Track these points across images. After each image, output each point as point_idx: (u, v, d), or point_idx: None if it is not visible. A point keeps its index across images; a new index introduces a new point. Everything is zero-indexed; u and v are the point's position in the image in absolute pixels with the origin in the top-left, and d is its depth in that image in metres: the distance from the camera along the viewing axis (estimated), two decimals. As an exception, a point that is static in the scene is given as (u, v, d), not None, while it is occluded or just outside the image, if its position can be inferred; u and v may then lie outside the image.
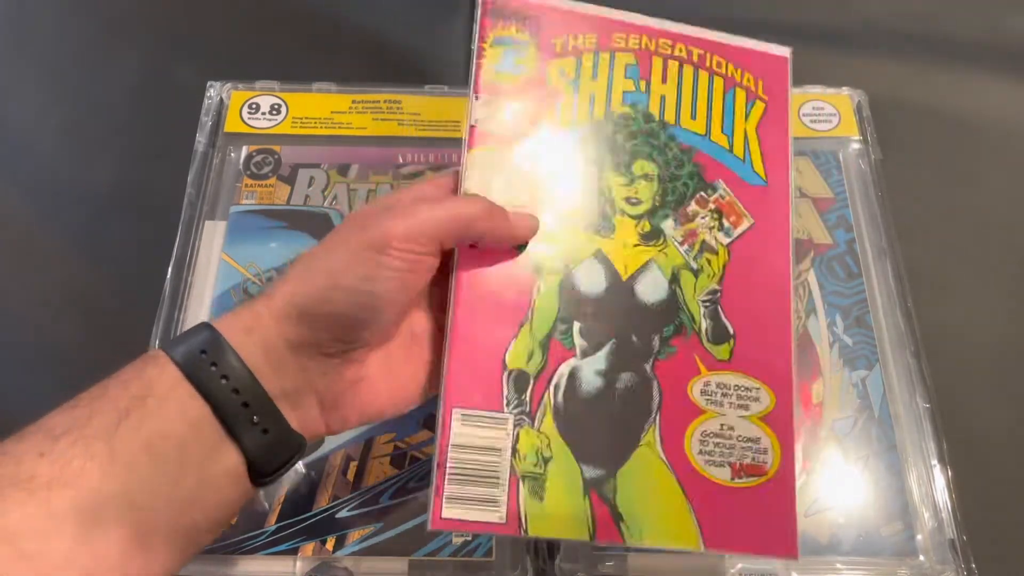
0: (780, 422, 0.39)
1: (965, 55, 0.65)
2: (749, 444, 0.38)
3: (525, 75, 0.41)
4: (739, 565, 0.44)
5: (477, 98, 0.40)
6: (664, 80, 0.42)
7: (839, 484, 0.47)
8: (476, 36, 0.41)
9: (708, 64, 0.43)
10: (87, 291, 0.55)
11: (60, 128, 0.62)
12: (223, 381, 0.32)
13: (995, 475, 0.49)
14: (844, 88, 0.60)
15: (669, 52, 0.43)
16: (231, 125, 0.58)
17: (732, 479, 0.38)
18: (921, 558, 0.45)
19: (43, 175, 0.60)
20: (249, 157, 0.57)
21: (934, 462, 0.47)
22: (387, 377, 0.37)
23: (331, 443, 0.48)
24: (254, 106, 0.59)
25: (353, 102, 0.59)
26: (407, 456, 0.48)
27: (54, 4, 0.68)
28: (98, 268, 0.56)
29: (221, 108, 0.59)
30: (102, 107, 0.63)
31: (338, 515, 0.46)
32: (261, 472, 0.34)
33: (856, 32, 0.66)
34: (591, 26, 0.42)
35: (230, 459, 0.33)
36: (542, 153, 0.40)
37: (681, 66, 0.43)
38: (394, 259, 0.34)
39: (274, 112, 0.59)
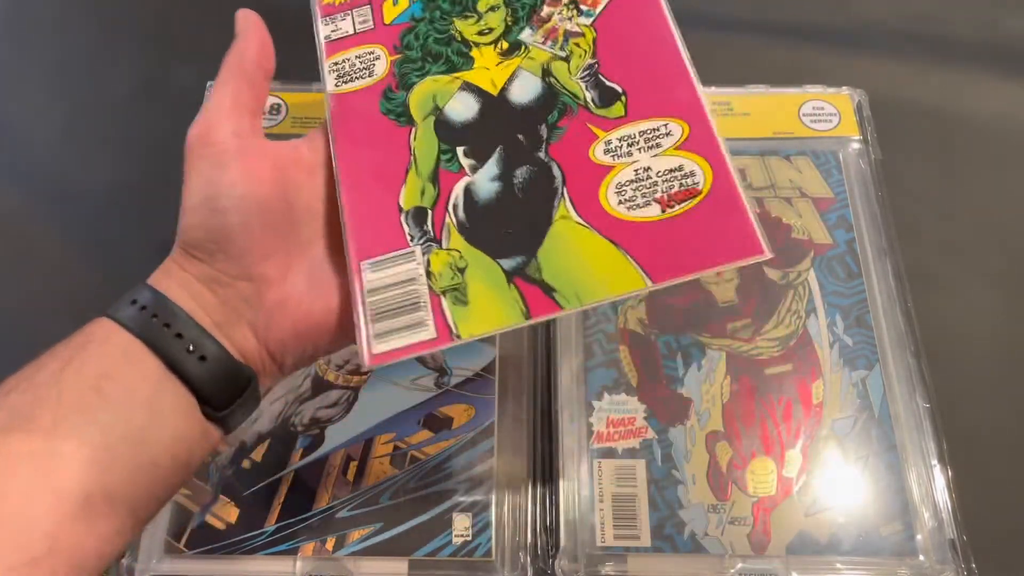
0: (701, 143, 0.36)
1: (965, 55, 0.65)
2: (672, 174, 0.36)
3: None
4: (739, 565, 0.44)
5: (321, 20, 0.44)
6: None
7: (839, 484, 0.47)
8: None
9: None
10: (87, 291, 0.55)
11: (60, 128, 0.62)
12: (153, 319, 0.33)
13: (995, 475, 0.49)
14: (844, 88, 0.60)
15: None
16: (231, 125, 0.58)
17: (664, 212, 0.35)
18: (921, 558, 0.45)
19: (43, 175, 0.60)
20: (249, 157, 0.57)
21: (934, 462, 0.47)
22: (314, 294, 0.37)
23: (331, 443, 0.48)
24: (254, 106, 0.59)
25: (353, 102, 0.59)
26: (407, 456, 0.48)
27: (54, 4, 0.68)
28: (98, 268, 0.56)
29: (221, 108, 0.59)
30: (102, 107, 0.63)
31: (338, 515, 0.46)
32: (214, 405, 0.34)
33: (856, 32, 0.66)
34: None
35: (177, 391, 0.33)
36: (390, 35, 0.42)
37: None
38: (216, 150, 0.36)
39: (274, 112, 0.59)
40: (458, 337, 0.35)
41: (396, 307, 0.35)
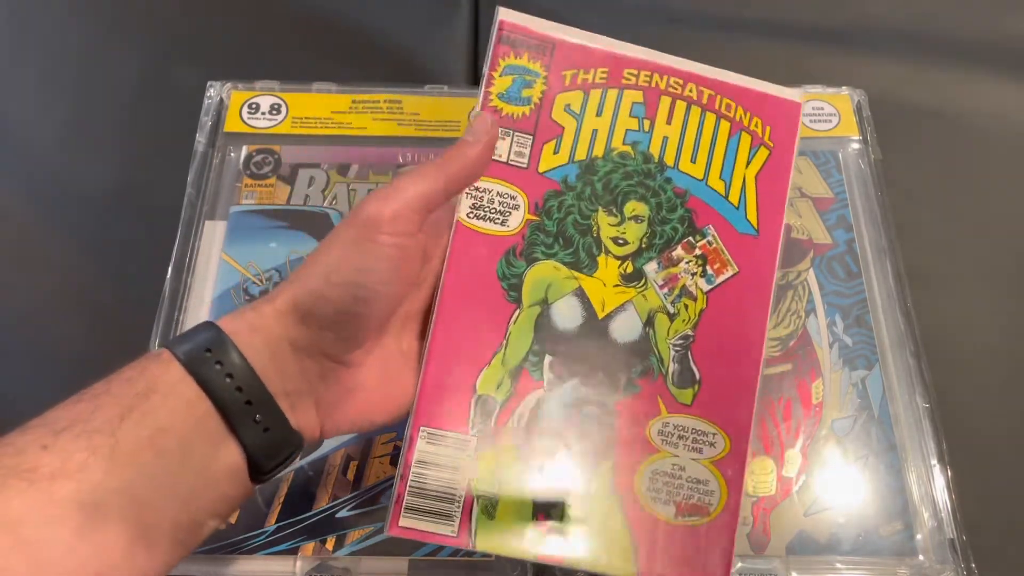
0: (732, 467, 0.39)
1: (965, 55, 0.65)
2: (697, 486, 0.39)
3: (530, 106, 0.41)
4: (739, 565, 0.44)
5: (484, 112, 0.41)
6: (669, 121, 0.42)
7: (839, 484, 0.47)
8: (488, 62, 0.41)
9: (716, 106, 0.43)
10: (87, 291, 0.55)
11: (60, 128, 0.62)
12: (227, 380, 0.33)
13: (995, 475, 0.49)
14: (844, 88, 0.60)
15: (679, 92, 0.42)
16: (231, 125, 0.58)
17: (675, 517, 0.39)
18: (921, 558, 0.45)
19: (43, 175, 0.60)
20: (249, 157, 0.57)
21: (934, 462, 0.47)
22: (380, 390, 0.38)
23: (331, 443, 0.48)
24: (254, 106, 0.59)
25: (353, 102, 0.59)
26: (407, 456, 0.48)
27: (54, 4, 0.68)
28: (98, 268, 0.56)
29: (221, 108, 0.59)
30: (102, 107, 0.63)
31: (338, 515, 0.46)
32: (260, 469, 0.34)
33: (856, 32, 0.66)
34: (603, 61, 0.42)
35: (231, 456, 0.33)
36: (538, 188, 0.41)
37: (688, 107, 0.42)
38: (385, 242, 0.35)
39: (274, 112, 0.59)
40: (473, 546, 0.37)
41: (434, 491, 0.37)
